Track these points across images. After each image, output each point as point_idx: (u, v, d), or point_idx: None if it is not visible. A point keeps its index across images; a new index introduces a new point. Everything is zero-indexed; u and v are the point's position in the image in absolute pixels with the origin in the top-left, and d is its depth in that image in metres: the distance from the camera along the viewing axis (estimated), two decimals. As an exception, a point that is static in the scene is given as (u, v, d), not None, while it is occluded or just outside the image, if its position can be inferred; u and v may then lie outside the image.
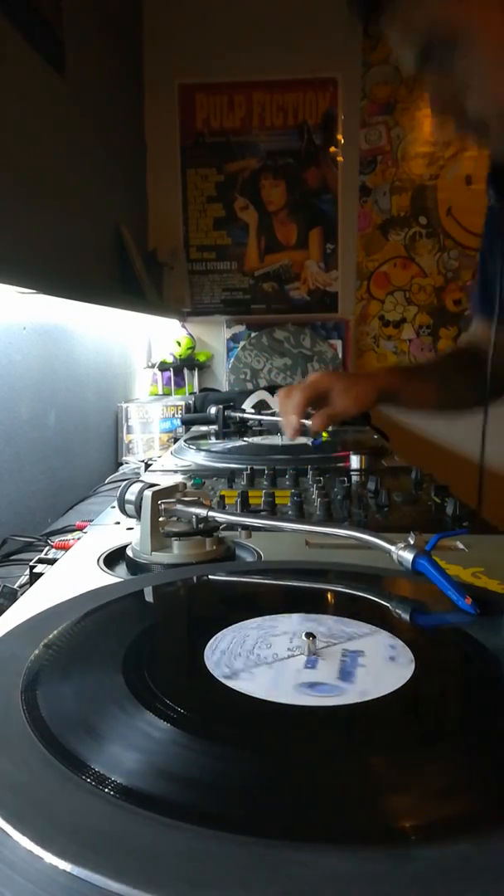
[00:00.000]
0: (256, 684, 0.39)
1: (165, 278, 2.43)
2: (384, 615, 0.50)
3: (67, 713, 0.36)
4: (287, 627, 0.47)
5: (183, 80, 2.44)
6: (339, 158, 2.48)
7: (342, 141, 2.47)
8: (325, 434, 1.39)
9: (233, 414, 1.54)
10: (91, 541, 0.74)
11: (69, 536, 0.85)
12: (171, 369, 2.32)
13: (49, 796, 0.29)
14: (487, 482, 1.11)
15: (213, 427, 1.53)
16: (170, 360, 2.34)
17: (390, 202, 2.50)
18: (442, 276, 2.50)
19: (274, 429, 1.49)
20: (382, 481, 0.96)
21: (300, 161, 2.48)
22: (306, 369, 2.49)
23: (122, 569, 0.66)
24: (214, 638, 0.45)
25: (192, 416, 1.79)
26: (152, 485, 0.66)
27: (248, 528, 0.65)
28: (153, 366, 2.33)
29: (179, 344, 2.39)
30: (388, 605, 0.52)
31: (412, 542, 0.53)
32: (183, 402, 1.86)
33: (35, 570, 0.69)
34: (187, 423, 1.76)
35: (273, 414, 1.68)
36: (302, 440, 1.36)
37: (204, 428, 1.62)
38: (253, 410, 1.71)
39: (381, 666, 0.41)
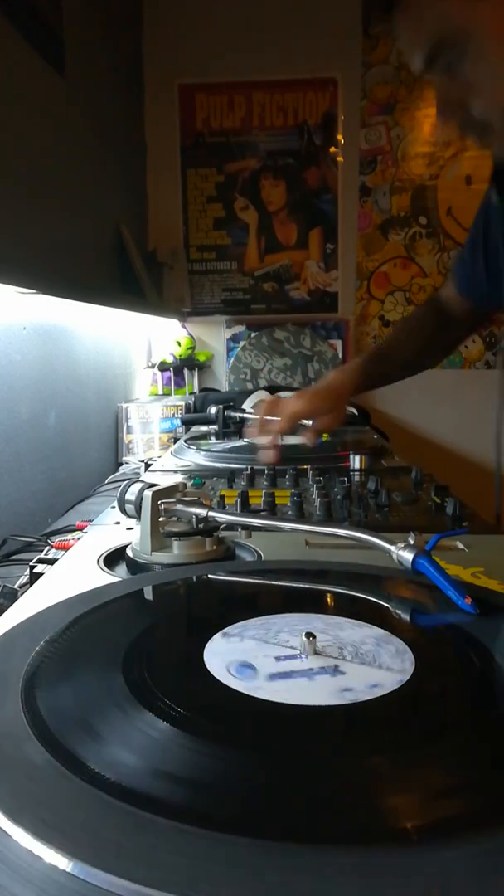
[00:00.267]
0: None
1: (165, 278, 2.43)
2: (384, 615, 0.50)
3: (67, 713, 0.36)
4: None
5: (183, 80, 2.44)
6: (339, 158, 2.48)
7: (342, 141, 2.47)
8: (325, 434, 1.39)
9: (233, 414, 1.54)
10: (91, 541, 0.74)
11: (69, 536, 0.85)
12: (171, 369, 2.32)
13: (49, 796, 0.29)
14: (489, 482, 1.11)
15: (213, 427, 1.53)
16: (170, 360, 2.34)
17: (390, 202, 2.50)
18: (442, 276, 2.50)
19: None
20: (382, 481, 0.96)
21: (300, 161, 2.48)
22: (306, 369, 2.49)
23: (122, 569, 0.66)
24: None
25: (192, 416, 1.79)
26: (152, 485, 0.66)
27: (248, 528, 0.65)
28: (153, 366, 2.33)
29: (179, 344, 2.39)
30: (388, 605, 0.52)
31: (412, 542, 0.53)
32: (183, 402, 1.86)
33: (35, 570, 0.69)
34: (187, 423, 1.76)
35: (273, 414, 1.68)
36: (302, 440, 1.36)
37: (204, 428, 1.62)
38: (253, 410, 1.71)
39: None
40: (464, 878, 0.25)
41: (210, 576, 0.60)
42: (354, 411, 1.76)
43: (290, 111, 2.45)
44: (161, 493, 0.64)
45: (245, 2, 2.38)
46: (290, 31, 2.37)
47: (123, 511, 0.69)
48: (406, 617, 0.50)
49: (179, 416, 1.81)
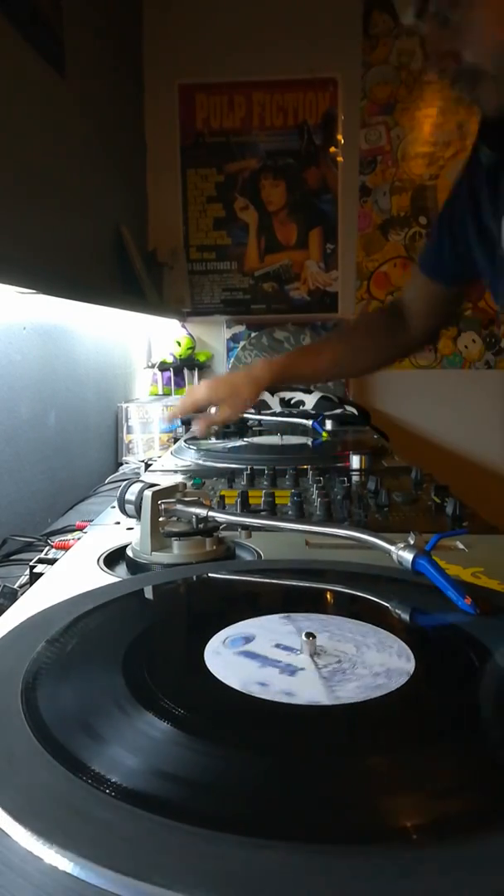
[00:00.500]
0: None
1: (165, 278, 2.43)
2: (384, 615, 0.50)
3: (67, 713, 0.36)
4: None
5: (183, 80, 2.44)
6: (339, 158, 2.48)
7: (342, 141, 2.47)
8: (325, 434, 1.40)
9: (233, 414, 1.54)
10: (91, 541, 0.74)
11: (69, 536, 0.85)
12: (171, 369, 2.32)
13: (49, 797, 0.29)
14: (489, 482, 1.11)
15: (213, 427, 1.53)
16: (170, 360, 2.34)
17: (390, 202, 2.50)
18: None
19: (274, 429, 1.49)
20: (382, 481, 0.96)
21: (300, 161, 2.48)
22: (306, 369, 2.48)
23: (122, 569, 0.66)
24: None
25: (193, 415, 1.78)
26: (152, 485, 0.66)
27: (248, 528, 0.65)
28: (153, 366, 2.33)
29: (179, 344, 2.39)
30: (387, 604, 0.52)
31: (412, 542, 0.53)
32: (183, 403, 1.86)
33: (35, 570, 0.69)
34: (187, 423, 1.76)
35: (273, 414, 1.69)
36: (302, 440, 1.36)
37: (204, 428, 1.62)
38: (253, 410, 1.71)
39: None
40: (464, 878, 0.25)
41: (210, 575, 0.60)
42: (354, 411, 1.76)
43: (290, 111, 2.45)
44: (161, 493, 0.64)
45: (245, 2, 2.38)
46: (290, 31, 2.37)
47: (123, 511, 0.69)
48: (406, 617, 0.50)
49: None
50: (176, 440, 1.59)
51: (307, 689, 0.38)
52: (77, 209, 1.62)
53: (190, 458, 1.23)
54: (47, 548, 0.81)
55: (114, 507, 0.83)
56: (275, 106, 2.45)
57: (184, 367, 2.35)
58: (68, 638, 0.45)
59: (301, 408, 1.83)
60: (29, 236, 1.30)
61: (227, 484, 1.02)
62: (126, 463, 1.72)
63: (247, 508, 0.84)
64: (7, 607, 0.57)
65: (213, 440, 1.42)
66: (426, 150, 2.46)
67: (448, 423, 2.55)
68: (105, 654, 0.43)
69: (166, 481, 0.68)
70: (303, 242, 2.53)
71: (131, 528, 0.77)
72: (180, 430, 1.77)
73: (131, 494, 0.68)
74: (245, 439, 1.41)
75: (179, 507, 0.65)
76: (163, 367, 2.32)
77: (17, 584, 0.73)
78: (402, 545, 0.53)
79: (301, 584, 0.59)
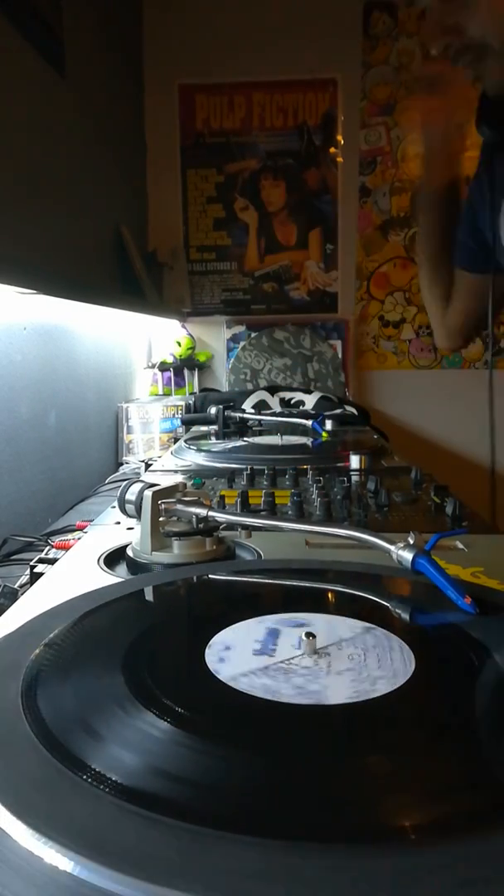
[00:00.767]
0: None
1: (165, 278, 2.43)
2: (384, 614, 0.50)
3: (67, 713, 0.36)
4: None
5: (183, 80, 2.44)
6: (339, 159, 2.48)
7: (342, 142, 2.47)
8: (325, 434, 1.40)
9: (233, 414, 1.54)
10: (91, 541, 0.74)
11: (69, 536, 0.85)
12: (172, 369, 2.32)
13: (49, 796, 0.29)
14: (487, 482, 1.11)
15: (213, 427, 1.53)
16: (170, 360, 2.34)
17: (390, 203, 2.50)
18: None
19: (274, 429, 1.49)
20: (382, 481, 0.96)
21: (300, 162, 2.48)
22: (306, 369, 2.49)
23: (122, 569, 0.66)
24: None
25: (192, 416, 1.78)
26: (152, 485, 0.66)
27: (248, 528, 0.65)
28: (153, 366, 2.33)
29: (179, 344, 2.39)
30: (387, 604, 0.52)
31: (412, 542, 0.53)
32: (183, 403, 1.86)
33: (35, 570, 0.69)
34: (187, 423, 1.76)
35: (273, 414, 1.69)
36: (302, 440, 1.36)
37: (204, 428, 1.62)
38: (253, 410, 1.71)
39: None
40: (464, 878, 0.25)
41: (210, 576, 0.60)
42: (354, 411, 1.76)
43: (290, 112, 2.45)
44: (161, 493, 0.64)
45: (245, 2, 2.38)
46: (290, 32, 2.37)
47: (123, 511, 0.69)
48: (406, 617, 0.50)
49: (179, 416, 1.81)
50: (176, 440, 1.59)
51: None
52: (77, 209, 1.62)
53: (190, 458, 1.23)
54: (48, 548, 0.81)
55: (114, 507, 0.83)
56: (275, 106, 2.45)
57: (184, 368, 2.35)
58: (69, 638, 0.45)
59: (301, 408, 1.83)
60: (29, 236, 1.30)
61: (227, 484, 1.02)
62: (126, 463, 1.72)
63: (247, 508, 0.84)
64: (7, 607, 0.57)
65: (213, 440, 1.42)
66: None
67: (448, 423, 2.55)
68: (106, 654, 0.43)
69: (166, 481, 0.68)
70: (303, 243, 2.53)
71: (131, 528, 0.77)
72: (180, 430, 1.77)
73: (131, 494, 0.68)
74: (245, 439, 1.41)
75: (179, 507, 0.65)
76: (163, 367, 2.32)
77: (18, 584, 0.73)
78: (401, 545, 0.53)
79: (301, 583, 0.59)
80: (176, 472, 1.15)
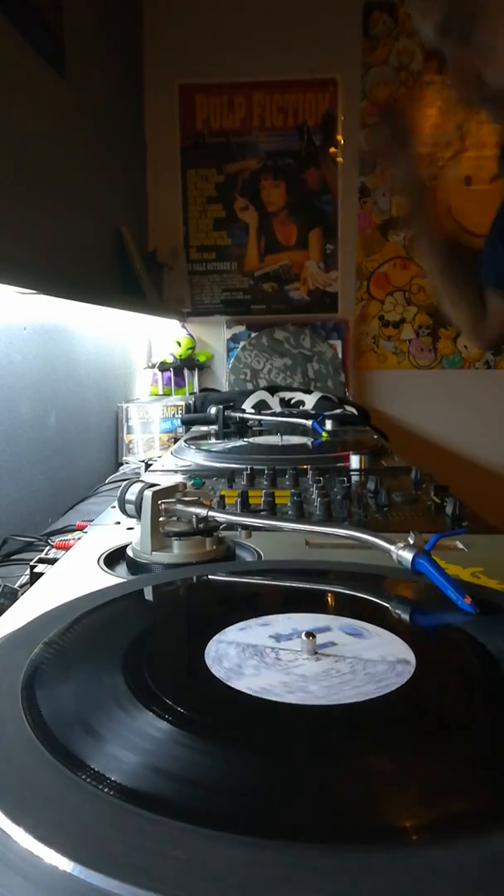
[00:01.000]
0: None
1: (165, 278, 2.43)
2: (384, 615, 0.50)
3: (67, 713, 0.36)
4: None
5: (183, 80, 2.44)
6: (339, 159, 2.48)
7: (342, 142, 2.47)
8: (325, 434, 1.40)
9: (233, 414, 1.54)
10: (91, 541, 0.74)
11: (69, 536, 0.85)
12: (172, 369, 2.32)
13: (49, 796, 0.29)
14: (489, 482, 1.11)
15: (213, 427, 1.53)
16: (170, 360, 2.34)
17: (390, 203, 2.50)
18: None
19: (274, 429, 1.49)
20: (382, 481, 0.96)
21: (300, 162, 2.48)
22: (306, 369, 2.49)
23: (122, 569, 0.66)
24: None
25: (192, 416, 1.79)
26: (152, 485, 0.66)
27: (248, 528, 0.65)
28: (153, 366, 2.33)
29: (179, 344, 2.39)
30: (388, 604, 0.52)
31: (412, 542, 0.53)
32: (183, 403, 1.86)
33: (35, 570, 0.69)
34: (187, 423, 1.76)
35: (273, 414, 1.69)
36: (302, 440, 1.36)
37: (204, 428, 1.62)
38: (253, 410, 1.71)
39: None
40: (463, 878, 0.25)
41: (210, 576, 0.60)
42: (354, 411, 1.76)
43: (289, 112, 2.45)
44: (161, 493, 0.64)
45: (245, 2, 2.38)
46: (290, 32, 2.37)
47: (123, 511, 0.69)
48: (406, 617, 0.50)
49: (179, 416, 1.81)
50: (176, 440, 1.59)
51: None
52: (77, 209, 1.62)
53: (190, 458, 1.23)
54: (48, 548, 0.81)
55: (114, 507, 0.83)
56: (275, 106, 2.45)
57: (184, 368, 2.35)
58: (69, 638, 0.45)
59: (301, 408, 1.83)
60: (29, 236, 1.30)
61: (227, 484, 1.02)
62: (126, 463, 1.72)
63: (247, 508, 0.84)
64: (7, 607, 0.57)
65: (213, 440, 1.42)
66: (425, 150, 2.45)
67: (448, 423, 2.55)
68: (105, 654, 0.43)
69: (166, 481, 0.68)
70: (303, 243, 2.53)
71: (131, 528, 0.77)
72: (180, 430, 1.77)
73: (131, 494, 0.68)
74: (245, 439, 1.41)
75: (179, 507, 0.65)
76: (163, 367, 2.32)
77: (18, 584, 0.73)
78: (401, 545, 0.53)
79: (301, 584, 0.59)
80: (176, 472, 1.15)
